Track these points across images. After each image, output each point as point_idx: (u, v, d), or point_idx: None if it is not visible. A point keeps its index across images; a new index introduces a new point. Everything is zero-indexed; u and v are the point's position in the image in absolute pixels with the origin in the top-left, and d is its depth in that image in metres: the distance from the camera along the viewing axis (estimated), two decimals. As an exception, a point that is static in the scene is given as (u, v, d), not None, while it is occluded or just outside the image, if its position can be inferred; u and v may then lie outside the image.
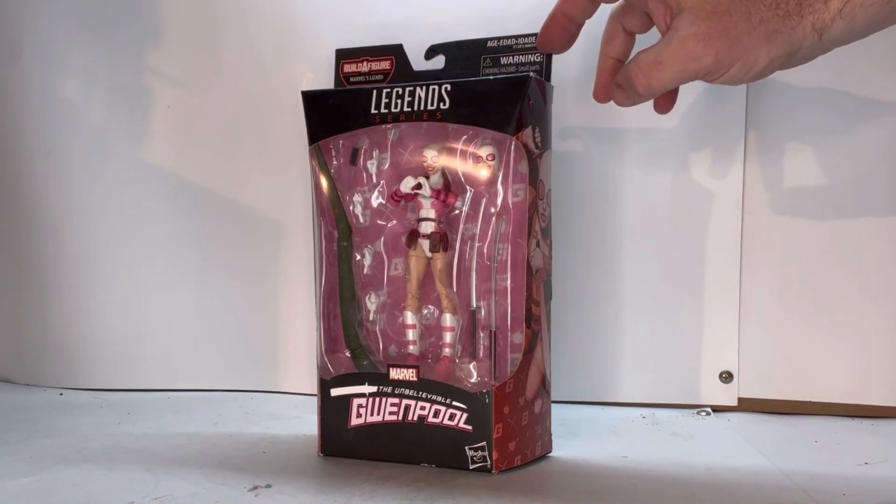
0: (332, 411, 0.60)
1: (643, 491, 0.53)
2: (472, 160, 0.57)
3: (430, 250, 0.58)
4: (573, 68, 0.70)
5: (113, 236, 0.86)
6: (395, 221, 0.60)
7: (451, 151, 0.57)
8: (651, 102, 0.55)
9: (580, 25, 0.55)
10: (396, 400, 0.58)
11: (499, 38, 0.59)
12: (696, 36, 0.47)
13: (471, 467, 0.56)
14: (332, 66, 0.64)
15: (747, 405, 0.74)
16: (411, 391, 0.57)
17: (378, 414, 0.59)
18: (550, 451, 0.61)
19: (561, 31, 0.55)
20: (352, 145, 0.61)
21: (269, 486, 0.53)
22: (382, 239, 0.61)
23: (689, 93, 0.73)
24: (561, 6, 0.54)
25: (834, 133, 0.71)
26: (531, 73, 0.56)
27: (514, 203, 0.56)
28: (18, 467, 0.58)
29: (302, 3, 0.79)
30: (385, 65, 0.62)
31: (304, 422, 0.70)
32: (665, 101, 0.57)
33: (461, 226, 0.58)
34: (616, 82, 0.52)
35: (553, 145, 0.60)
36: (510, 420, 0.56)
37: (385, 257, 0.61)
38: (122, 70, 0.84)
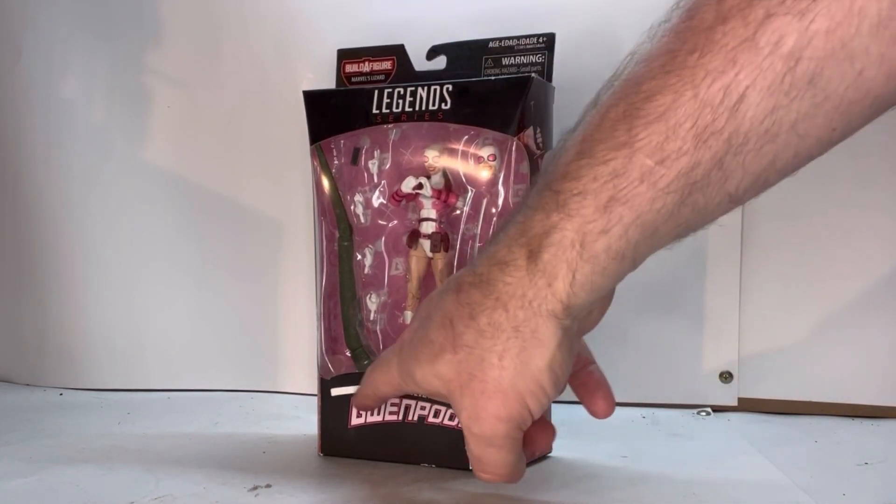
0: (333, 411, 0.60)
1: (643, 491, 0.53)
2: (474, 160, 0.57)
3: (431, 250, 0.58)
4: (575, 69, 0.70)
5: (113, 236, 0.86)
6: (396, 221, 0.60)
7: (453, 152, 0.57)
8: None
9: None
10: (397, 400, 0.58)
11: (500, 39, 0.59)
12: (470, 415, 0.43)
13: (471, 467, 0.56)
14: (334, 65, 0.64)
15: (747, 405, 0.74)
16: (412, 391, 0.57)
17: (378, 414, 0.59)
18: (550, 452, 0.61)
19: (372, 404, 0.53)
20: (353, 145, 0.61)
21: (269, 486, 0.53)
22: (383, 239, 0.61)
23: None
24: (372, 390, 0.51)
25: (834, 134, 0.71)
26: (533, 74, 0.56)
27: (516, 204, 0.56)
28: (18, 467, 0.58)
29: (303, 2, 0.80)
30: (386, 65, 0.62)
31: (304, 422, 0.70)
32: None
33: (462, 226, 0.58)
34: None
35: (554, 146, 0.60)
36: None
37: (386, 257, 0.61)
38: (123, 70, 0.84)
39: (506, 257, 0.41)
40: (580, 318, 0.43)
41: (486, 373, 0.42)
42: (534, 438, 0.48)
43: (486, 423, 0.43)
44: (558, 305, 0.40)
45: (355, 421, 0.59)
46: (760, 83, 0.34)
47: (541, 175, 0.42)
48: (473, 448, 0.45)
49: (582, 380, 0.50)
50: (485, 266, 0.43)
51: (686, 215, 0.38)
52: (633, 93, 0.38)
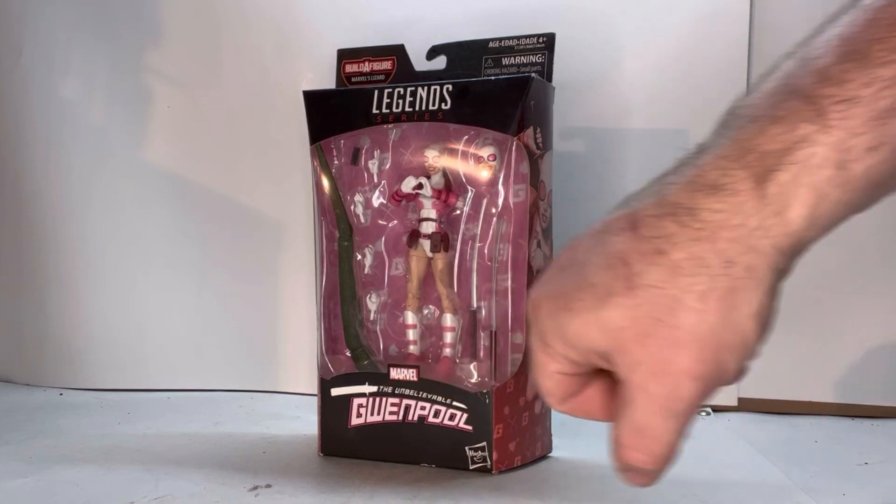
0: (333, 411, 0.60)
1: (643, 491, 0.53)
2: (474, 160, 0.57)
3: (431, 250, 0.58)
4: (575, 69, 0.70)
5: (113, 236, 0.86)
6: (395, 221, 0.60)
7: (453, 152, 0.57)
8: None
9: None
10: (397, 400, 0.58)
11: (500, 39, 0.59)
12: (652, 370, 0.34)
13: (471, 467, 0.56)
14: (334, 65, 0.64)
15: (747, 405, 0.74)
16: (412, 391, 0.57)
17: (378, 414, 0.59)
18: (550, 452, 0.61)
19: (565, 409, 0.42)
20: (353, 145, 0.61)
21: (269, 486, 0.53)
22: (383, 239, 0.61)
23: (690, 93, 0.73)
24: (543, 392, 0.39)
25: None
26: (533, 74, 0.56)
27: (516, 203, 0.56)
28: (18, 467, 0.58)
29: (303, 2, 0.80)
30: (387, 65, 0.62)
31: (304, 422, 0.70)
32: None
33: (462, 226, 0.58)
34: (617, 468, 0.39)
35: (554, 146, 0.60)
36: (510, 420, 0.56)
37: (386, 257, 0.61)
38: (123, 70, 0.84)
39: (718, 180, 0.33)
40: (776, 298, 0.35)
41: (680, 317, 0.33)
42: None
43: (672, 380, 0.34)
44: (786, 240, 0.33)
45: (355, 421, 0.59)
46: None
47: (771, 89, 0.34)
48: (641, 415, 0.35)
49: None
50: (682, 193, 0.34)
51: None
52: None
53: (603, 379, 0.39)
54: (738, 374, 0.35)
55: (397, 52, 0.62)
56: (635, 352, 0.34)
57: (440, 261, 0.58)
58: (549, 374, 0.38)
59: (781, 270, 0.34)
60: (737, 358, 0.34)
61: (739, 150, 0.33)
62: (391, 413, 0.58)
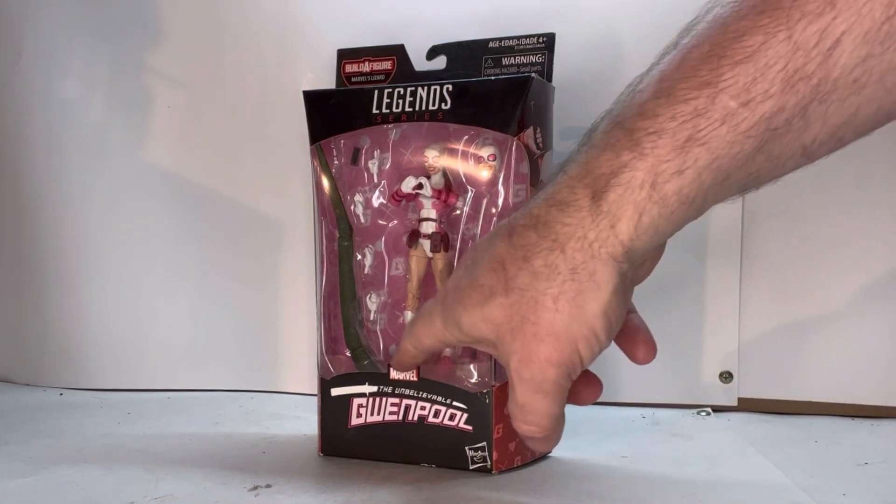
0: (333, 411, 0.60)
1: (643, 491, 0.53)
2: (474, 160, 0.57)
3: (431, 250, 0.58)
4: (575, 69, 0.70)
5: (113, 236, 0.86)
6: (396, 221, 0.60)
7: (453, 152, 0.57)
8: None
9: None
10: (397, 400, 0.58)
11: (500, 39, 0.59)
12: (521, 358, 0.42)
13: (471, 467, 0.56)
14: (334, 65, 0.64)
15: (747, 405, 0.74)
16: (411, 391, 0.58)
17: (378, 414, 0.59)
18: (550, 452, 0.61)
19: (413, 361, 0.52)
20: (353, 145, 0.61)
21: (269, 486, 0.53)
22: (383, 239, 0.61)
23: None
24: (413, 344, 0.50)
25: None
26: (533, 74, 0.56)
27: (516, 204, 0.56)
28: (18, 467, 0.58)
29: (303, 2, 0.80)
30: (387, 65, 0.62)
31: (304, 422, 0.70)
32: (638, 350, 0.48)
33: (462, 226, 0.58)
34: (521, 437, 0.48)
35: (554, 146, 0.60)
36: (511, 420, 0.56)
37: (386, 257, 0.61)
38: (123, 70, 0.84)
39: (567, 198, 0.40)
40: (635, 267, 0.42)
41: (540, 315, 0.41)
42: (579, 391, 0.47)
43: (536, 366, 0.42)
44: (619, 248, 0.39)
45: (355, 421, 0.59)
46: (857, 29, 0.34)
47: (606, 116, 0.41)
48: (519, 395, 0.43)
49: (622, 327, 0.48)
50: (542, 207, 0.42)
51: (759, 164, 0.37)
52: (719, 33, 0.37)
53: None
54: (592, 358, 0.43)
55: (397, 52, 0.62)
56: (510, 343, 0.42)
57: (440, 261, 0.58)
58: (436, 342, 0.48)
59: (625, 273, 0.41)
60: (588, 347, 0.42)
61: (583, 172, 0.40)
62: (391, 413, 0.58)
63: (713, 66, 0.36)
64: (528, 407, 0.44)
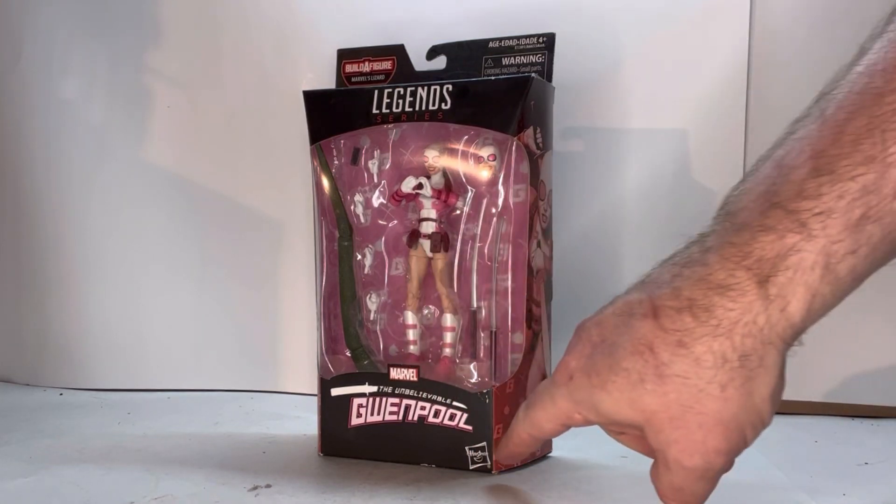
0: (333, 411, 0.60)
1: (643, 491, 0.53)
2: (474, 160, 0.57)
3: (431, 250, 0.58)
4: (575, 69, 0.70)
5: (113, 236, 0.86)
6: (395, 221, 0.60)
7: (453, 152, 0.57)
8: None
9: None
10: (397, 400, 0.58)
11: (500, 39, 0.59)
12: (685, 448, 0.41)
13: (471, 467, 0.56)
14: (334, 65, 0.64)
15: (747, 405, 0.74)
16: (412, 391, 0.57)
17: (378, 414, 0.59)
18: (550, 452, 0.61)
19: (526, 449, 0.51)
20: (353, 145, 0.61)
21: (269, 486, 0.53)
22: (383, 239, 0.61)
23: (690, 93, 0.73)
24: (530, 430, 0.48)
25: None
26: (533, 74, 0.56)
27: (515, 203, 0.56)
28: (18, 467, 0.58)
29: (303, 2, 0.80)
30: (387, 65, 0.62)
31: (304, 422, 0.70)
32: None
33: (462, 226, 0.58)
34: None
35: (554, 146, 0.60)
36: (510, 420, 0.56)
37: (386, 257, 0.61)
38: (122, 70, 0.84)
39: (726, 281, 0.39)
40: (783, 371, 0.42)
41: (706, 405, 0.40)
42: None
43: (704, 457, 0.41)
44: (790, 331, 0.39)
45: (355, 421, 0.59)
46: None
47: (746, 193, 0.40)
48: (680, 481, 0.42)
49: None
50: (696, 290, 0.40)
51: None
52: (875, 104, 0.36)
53: None
54: (755, 438, 0.42)
55: (397, 52, 0.62)
56: (668, 431, 0.41)
57: (440, 261, 0.58)
58: (559, 425, 0.47)
59: (785, 353, 0.40)
60: (755, 432, 0.41)
61: (740, 254, 0.39)
62: (391, 413, 0.58)
63: (877, 140, 0.36)
64: (688, 491, 0.43)
